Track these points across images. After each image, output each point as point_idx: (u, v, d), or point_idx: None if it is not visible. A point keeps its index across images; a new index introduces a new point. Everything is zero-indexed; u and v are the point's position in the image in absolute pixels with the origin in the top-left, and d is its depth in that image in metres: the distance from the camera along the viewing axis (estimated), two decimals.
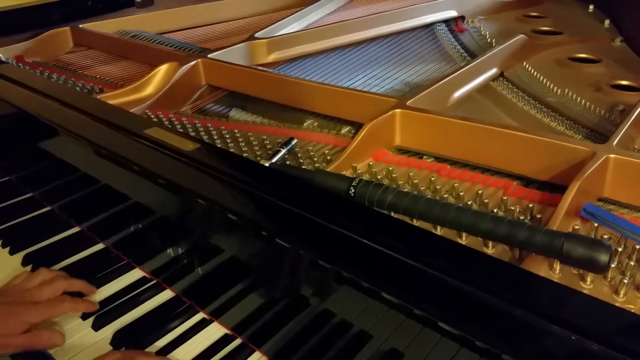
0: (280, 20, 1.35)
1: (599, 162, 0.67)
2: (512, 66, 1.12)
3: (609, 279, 0.57)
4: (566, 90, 1.02)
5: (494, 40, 1.26)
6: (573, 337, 0.43)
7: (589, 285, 0.57)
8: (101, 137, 0.82)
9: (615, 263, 0.58)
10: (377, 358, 0.59)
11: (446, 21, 1.40)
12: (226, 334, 0.73)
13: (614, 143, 0.72)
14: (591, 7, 1.56)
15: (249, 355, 0.70)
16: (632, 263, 0.58)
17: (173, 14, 1.53)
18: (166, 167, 0.72)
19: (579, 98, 0.99)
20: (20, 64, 1.30)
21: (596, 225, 0.63)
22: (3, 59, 1.28)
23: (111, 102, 1.00)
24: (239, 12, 1.57)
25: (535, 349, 0.46)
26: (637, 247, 0.60)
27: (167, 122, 0.97)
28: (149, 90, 1.10)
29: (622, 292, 0.55)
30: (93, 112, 0.87)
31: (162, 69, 1.11)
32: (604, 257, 0.52)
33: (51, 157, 1.00)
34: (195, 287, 0.78)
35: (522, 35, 1.16)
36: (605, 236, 0.62)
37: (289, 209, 0.60)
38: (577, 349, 0.43)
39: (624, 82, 1.08)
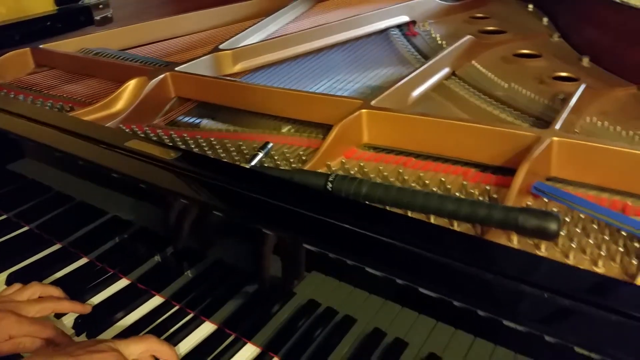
0: (241, 31, 1.40)
1: (544, 145, 0.75)
2: (463, 65, 1.21)
3: (560, 246, 0.65)
4: (512, 84, 1.12)
5: (444, 42, 1.35)
6: (535, 292, 0.51)
7: (543, 252, 0.64)
8: (84, 152, 0.85)
9: (565, 232, 0.67)
10: (363, 341, 0.65)
11: (399, 26, 1.49)
12: (218, 330, 0.78)
13: (557, 127, 0.81)
14: (530, 6, 1.68)
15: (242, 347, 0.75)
16: (578, 230, 0.66)
17: (134, 30, 1.56)
18: (153, 176, 0.76)
19: (524, 90, 1.09)
20: None
21: (546, 200, 0.72)
22: None
23: (84, 119, 1.03)
24: (199, 25, 1.61)
25: (505, 306, 0.53)
26: (582, 216, 0.68)
27: (142, 135, 1.01)
28: (120, 105, 1.13)
29: (571, 256, 0.63)
30: (73, 130, 0.90)
31: (131, 84, 1.14)
32: (554, 226, 0.60)
33: (27, 177, 1.02)
34: (189, 290, 0.82)
35: (469, 36, 1.25)
36: (554, 209, 0.70)
37: (277, 204, 0.66)
38: (537, 301, 0.51)
39: (564, 74, 1.18)
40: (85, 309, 0.83)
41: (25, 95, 1.25)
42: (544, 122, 0.97)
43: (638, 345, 0.47)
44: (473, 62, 1.23)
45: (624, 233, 0.65)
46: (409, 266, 0.58)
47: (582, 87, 0.99)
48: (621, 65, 1.19)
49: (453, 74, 1.18)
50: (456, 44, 1.20)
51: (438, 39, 1.38)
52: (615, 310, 0.48)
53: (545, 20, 1.55)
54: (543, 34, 1.45)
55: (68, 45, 1.48)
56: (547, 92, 1.09)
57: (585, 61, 1.26)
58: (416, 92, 1.06)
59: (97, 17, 1.61)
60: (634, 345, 0.47)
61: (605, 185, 0.77)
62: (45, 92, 1.30)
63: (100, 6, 1.62)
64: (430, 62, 1.11)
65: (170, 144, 0.95)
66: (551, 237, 0.62)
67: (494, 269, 0.54)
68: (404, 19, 1.49)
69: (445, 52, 1.16)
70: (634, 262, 0.62)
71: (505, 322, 0.52)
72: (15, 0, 1.64)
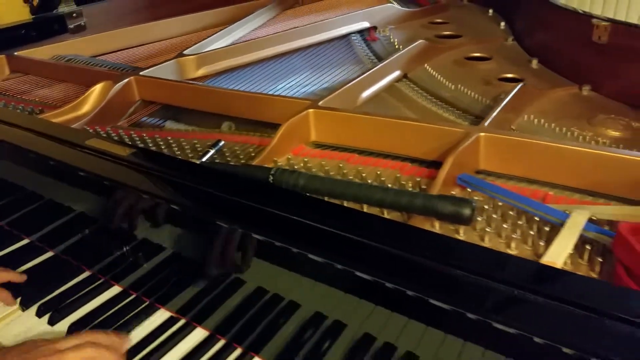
0: (207, 37, 1.45)
1: (471, 139, 0.81)
2: (415, 68, 1.27)
3: (477, 230, 0.71)
4: (459, 85, 1.18)
5: (401, 47, 1.41)
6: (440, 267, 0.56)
7: (462, 236, 0.70)
8: (47, 150, 0.90)
9: (485, 217, 0.73)
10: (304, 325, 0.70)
11: (361, 32, 1.55)
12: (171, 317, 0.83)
13: (486, 124, 0.87)
14: (490, 11, 1.75)
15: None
16: (495, 216, 0.72)
17: (105, 37, 1.60)
18: (109, 171, 0.81)
19: (469, 91, 1.15)
20: None
21: (470, 190, 0.77)
22: None
23: (52, 120, 1.08)
24: (168, 32, 1.66)
25: (429, 286, 0.57)
26: (500, 204, 0.74)
27: (104, 135, 1.06)
28: (86, 108, 1.18)
29: (487, 239, 0.69)
30: (39, 130, 0.95)
31: (97, 88, 1.19)
32: (467, 211, 0.66)
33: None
34: (145, 280, 0.87)
35: (421, 41, 1.31)
36: (476, 198, 0.76)
37: (221, 196, 0.71)
38: (453, 277, 0.56)
39: (510, 75, 1.25)
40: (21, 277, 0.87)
41: None
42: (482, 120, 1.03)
43: (535, 318, 0.51)
44: (425, 65, 1.30)
45: (536, 218, 0.71)
46: (343, 251, 0.62)
47: (518, 86, 1.05)
48: (566, 67, 1.25)
49: (405, 76, 1.24)
50: (407, 49, 1.26)
51: (396, 43, 1.44)
52: (521, 286, 0.52)
53: (502, 24, 1.62)
54: (498, 37, 1.52)
55: (42, 52, 1.53)
56: (491, 92, 1.15)
57: (534, 63, 1.32)
58: (366, 93, 1.11)
59: (71, 26, 1.66)
60: (528, 316, 0.52)
61: (530, 176, 0.83)
62: (18, 96, 1.35)
63: (74, 15, 1.67)
64: (380, 65, 1.17)
65: (130, 143, 1.00)
66: (466, 221, 0.67)
67: (417, 251, 0.59)
68: (365, 24, 1.55)
69: (396, 55, 1.22)
70: (542, 244, 0.68)
71: (432, 301, 0.56)
72: None
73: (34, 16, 1.67)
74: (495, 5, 1.75)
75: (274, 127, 1.03)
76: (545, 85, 1.20)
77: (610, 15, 1.53)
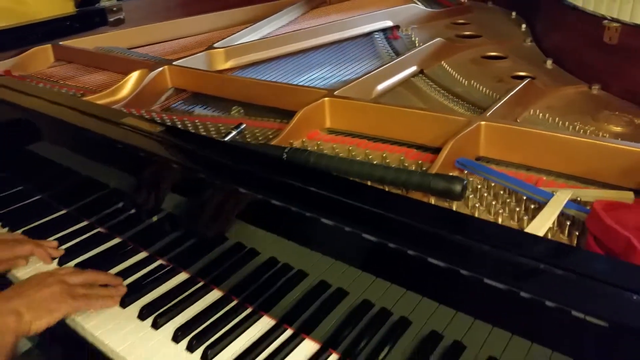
0: (237, 32, 1.55)
1: (472, 127, 0.88)
2: (432, 65, 1.33)
3: (469, 207, 0.77)
4: (472, 81, 1.24)
5: (420, 45, 1.47)
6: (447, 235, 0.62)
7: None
8: (91, 126, 1.00)
9: (477, 196, 0.79)
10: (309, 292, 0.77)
11: (384, 30, 1.62)
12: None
13: (488, 114, 0.93)
14: (514, 13, 1.80)
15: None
16: (486, 195, 0.78)
17: (141, 30, 1.71)
18: (142, 144, 0.91)
19: (481, 87, 1.21)
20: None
21: (466, 172, 0.84)
22: None
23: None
24: (199, 28, 1.76)
25: (423, 245, 0.63)
26: (492, 184, 0.80)
27: (138, 115, 1.15)
28: (123, 93, 1.28)
29: (476, 214, 0.75)
30: (84, 110, 1.05)
31: (134, 75, 1.29)
32: (458, 187, 0.73)
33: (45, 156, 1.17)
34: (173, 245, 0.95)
35: (439, 39, 1.37)
36: (471, 179, 0.82)
37: (242, 168, 0.79)
38: (445, 240, 0.62)
39: (522, 73, 1.29)
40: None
41: (44, 84, 1.41)
42: None
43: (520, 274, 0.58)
44: (442, 62, 1.36)
45: (524, 198, 0.77)
46: (347, 218, 0.68)
47: (524, 82, 1.10)
48: (578, 67, 1.30)
49: (422, 72, 1.31)
50: (424, 46, 1.32)
51: (417, 42, 1.51)
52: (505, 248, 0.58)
53: (523, 26, 1.67)
54: (516, 38, 1.57)
55: (84, 42, 1.64)
56: (502, 88, 1.20)
57: (549, 63, 1.37)
58: (381, 86, 1.18)
59: (111, 19, 1.78)
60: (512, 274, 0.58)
61: (527, 163, 0.89)
62: (62, 82, 1.46)
63: (114, 9, 1.78)
64: (396, 60, 1.23)
65: (160, 123, 1.09)
66: (457, 197, 0.74)
67: (415, 219, 0.65)
68: (388, 23, 1.61)
69: (412, 52, 1.28)
70: (526, 219, 0.73)
71: (431, 259, 0.61)
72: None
73: (77, 9, 1.79)
74: (518, 8, 1.80)
75: (293, 114, 1.11)
76: (557, 83, 1.25)
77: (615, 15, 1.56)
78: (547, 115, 1.07)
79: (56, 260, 1.00)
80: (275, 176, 0.76)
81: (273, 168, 0.78)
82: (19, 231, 1.09)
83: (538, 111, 1.08)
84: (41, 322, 0.79)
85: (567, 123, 1.04)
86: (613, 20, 1.20)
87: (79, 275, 0.89)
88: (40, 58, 1.61)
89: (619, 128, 1.03)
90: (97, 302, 0.86)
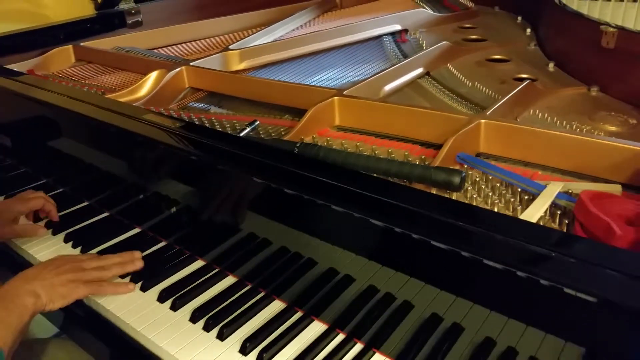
0: (251, 35, 1.61)
1: (472, 125, 0.93)
2: (437, 67, 1.39)
3: (467, 198, 0.82)
4: (476, 83, 1.29)
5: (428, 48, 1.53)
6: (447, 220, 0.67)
7: None
8: (117, 122, 1.06)
9: (476, 188, 0.84)
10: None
11: (393, 34, 1.68)
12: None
13: (488, 113, 0.98)
14: (519, 18, 1.85)
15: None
16: (483, 187, 0.84)
17: (160, 32, 1.78)
18: (163, 138, 0.97)
19: (484, 88, 1.26)
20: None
21: (466, 167, 0.89)
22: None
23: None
24: (215, 30, 1.83)
25: (425, 228, 0.68)
26: (490, 178, 0.86)
27: (157, 113, 1.22)
28: (143, 92, 1.35)
29: (473, 204, 0.81)
30: (107, 107, 1.11)
31: (153, 74, 1.36)
32: (456, 179, 0.78)
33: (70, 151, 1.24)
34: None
35: (445, 42, 1.43)
36: (470, 172, 0.88)
37: (258, 160, 0.85)
38: (449, 226, 0.67)
39: (524, 75, 1.35)
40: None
41: (66, 83, 1.48)
42: None
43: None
44: (448, 64, 1.41)
45: (519, 190, 0.82)
46: (357, 205, 0.73)
47: (524, 83, 1.16)
48: (578, 69, 1.35)
49: (428, 74, 1.36)
50: (430, 48, 1.38)
51: (424, 45, 1.56)
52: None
53: (528, 30, 1.72)
54: (521, 42, 1.62)
55: (104, 43, 1.72)
56: (505, 90, 1.25)
57: (551, 66, 1.42)
58: (388, 87, 1.24)
59: (129, 21, 1.85)
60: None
61: (524, 159, 0.94)
62: (83, 81, 1.53)
63: (133, 12, 1.86)
64: (403, 62, 1.29)
65: (179, 119, 1.15)
66: (456, 188, 0.79)
67: (417, 206, 0.70)
68: (396, 27, 1.67)
69: (419, 54, 1.34)
70: (520, 208, 0.79)
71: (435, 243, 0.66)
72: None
73: (97, 12, 1.87)
74: (524, 13, 1.85)
75: (304, 113, 1.17)
76: (557, 85, 1.30)
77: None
78: (546, 115, 1.12)
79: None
80: (288, 167, 0.82)
81: (286, 160, 0.84)
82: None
83: (538, 111, 1.14)
84: (54, 305, 0.86)
85: (565, 122, 1.09)
86: (610, 25, 1.24)
87: (95, 261, 0.95)
88: (62, 58, 1.68)
89: (614, 127, 1.08)
90: (108, 287, 0.93)
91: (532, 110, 1.14)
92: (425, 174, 0.80)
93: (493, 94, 1.24)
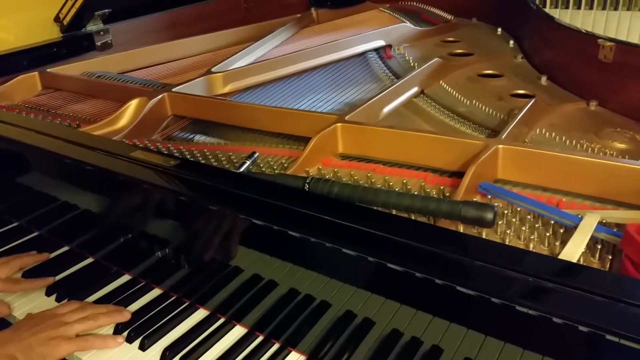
0: (231, 55, 1.53)
1: (490, 151, 0.88)
2: (431, 85, 1.35)
3: (498, 233, 0.77)
4: (474, 101, 1.25)
5: (415, 64, 1.49)
6: (477, 263, 0.62)
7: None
8: (97, 161, 0.97)
9: (504, 221, 0.79)
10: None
11: (377, 49, 1.63)
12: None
13: (503, 137, 0.94)
14: (499, 29, 1.83)
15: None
16: (514, 220, 0.79)
17: (132, 54, 1.69)
18: (156, 180, 0.89)
19: (483, 107, 1.22)
20: None
21: (489, 197, 0.84)
22: None
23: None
24: (190, 50, 1.74)
25: (455, 276, 0.63)
26: (519, 209, 0.81)
27: (144, 147, 1.13)
28: (122, 122, 1.26)
29: (507, 241, 0.76)
30: (85, 143, 1.02)
31: (133, 103, 1.27)
32: (489, 215, 0.73)
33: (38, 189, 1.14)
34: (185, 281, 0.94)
35: (437, 59, 1.39)
36: (496, 203, 0.83)
37: (265, 201, 0.78)
38: (480, 270, 0.62)
39: (521, 91, 1.32)
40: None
41: (35, 115, 1.37)
42: (498, 133, 1.10)
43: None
44: (441, 82, 1.37)
45: (552, 222, 0.78)
46: (373, 247, 0.69)
47: (531, 102, 1.12)
48: (574, 83, 1.33)
49: (422, 92, 1.32)
50: (424, 66, 1.33)
51: (410, 61, 1.52)
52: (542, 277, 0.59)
53: (511, 42, 1.70)
54: (507, 55, 1.60)
55: (72, 68, 1.61)
56: (504, 107, 1.22)
57: (543, 80, 1.40)
58: (387, 109, 1.19)
59: (98, 43, 1.75)
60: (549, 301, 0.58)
61: (545, 185, 0.90)
62: (53, 111, 1.42)
63: (101, 33, 1.76)
64: (400, 82, 1.24)
65: (172, 156, 1.07)
66: (488, 224, 0.74)
67: (443, 247, 0.65)
68: (381, 43, 1.63)
69: (414, 73, 1.29)
70: (558, 244, 0.74)
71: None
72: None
73: (63, 34, 1.76)
74: (503, 24, 1.83)
75: (300, 139, 1.10)
76: (555, 100, 1.27)
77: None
78: (552, 134, 1.09)
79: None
80: (302, 209, 0.75)
81: (297, 200, 0.77)
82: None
83: (544, 130, 1.10)
84: None
85: (574, 141, 1.06)
86: (607, 39, 1.23)
87: (78, 312, 0.87)
88: (27, 86, 1.57)
89: (623, 145, 1.05)
90: (94, 342, 0.85)
91: (537, 130, 1.11)
92: (453, 210, 0.75)
93: (493, 112, 1.20)
